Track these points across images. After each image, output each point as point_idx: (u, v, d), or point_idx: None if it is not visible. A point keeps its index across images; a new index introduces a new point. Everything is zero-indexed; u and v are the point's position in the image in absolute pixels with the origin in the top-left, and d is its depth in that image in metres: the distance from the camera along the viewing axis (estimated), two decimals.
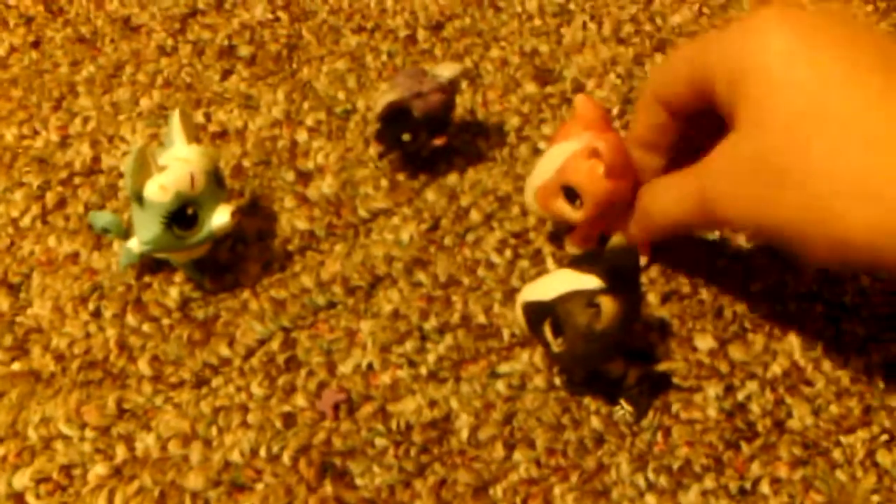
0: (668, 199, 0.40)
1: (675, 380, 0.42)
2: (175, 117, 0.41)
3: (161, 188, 0.39)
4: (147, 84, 0.52)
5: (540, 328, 0.37)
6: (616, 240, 0.36)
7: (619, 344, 0.37)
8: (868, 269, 0.43)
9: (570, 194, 0.41)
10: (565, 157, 0.41)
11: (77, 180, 0.48)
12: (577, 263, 0.37)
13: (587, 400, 0.41)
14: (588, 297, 0.35)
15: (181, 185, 0.39)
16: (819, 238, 0.33)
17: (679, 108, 0.40)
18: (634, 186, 0.42)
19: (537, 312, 0.37)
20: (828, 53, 0.34)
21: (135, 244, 0.41)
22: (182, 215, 0.40)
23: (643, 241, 0.43)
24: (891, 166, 0.31)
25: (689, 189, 0.38)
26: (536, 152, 0.49)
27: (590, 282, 0.36)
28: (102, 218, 0.43)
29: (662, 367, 0.41)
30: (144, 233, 0.40)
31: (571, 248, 0.44)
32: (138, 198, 0.39)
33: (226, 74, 0.53)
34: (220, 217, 0.40)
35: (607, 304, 0.35)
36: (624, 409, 0.40)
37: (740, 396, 0.41)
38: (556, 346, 0.36)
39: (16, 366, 0.42)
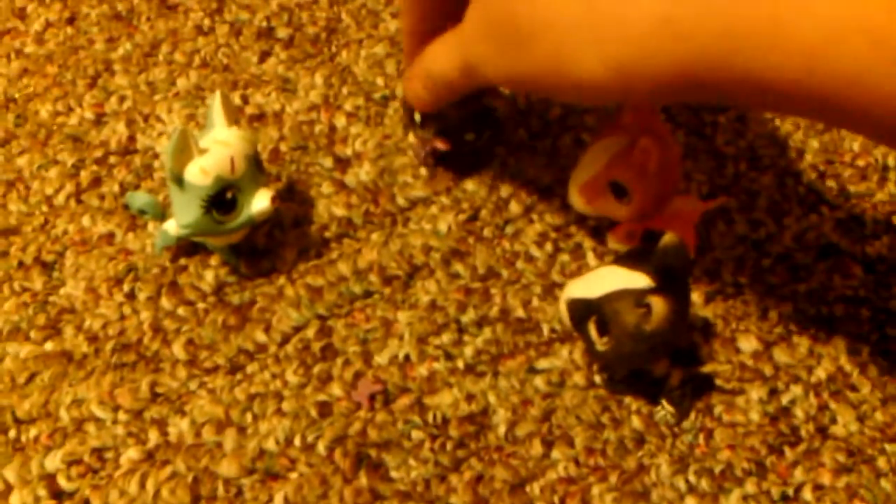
0: (442, 60, 0.40)
1: (718, 381, 0.41)
2: (216, 100, 0.40)
3: (202, 171, 0.38)
4: (184, 64, 0.51)
5: (584, 326, 0.36)
6: (667, 238, 0.35)
7: (667, 345, 0.36)
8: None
9: (618, 190, 0.40)
10: (613, 152, 0.40)
11: (112, 159, 0.47)
12: (625, 261, 0.36)
13: (628, 399, 0.40)
14: (637, 297, 0.34)
15: (222, 169, 0.38)
16: (565, 86, 0.34)
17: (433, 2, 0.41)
18: (678, 181, 0.41)
19: (582, 310, 0.36)
20: None
21: (172, 226, 0.41)
22: (222, 199, 0.39)
23: (427, 102, 0.43)
24: (605, 8, 0.32)
25: (455, 52, 0.39)
26: (579, 143, 0.49)
27: (639, 280, 0.35)
28: (140, 199, 0.43)
29: (706, 368, 0.40)
30: (183, 216, 0.40)
31: (614, 244, 0.44)
32: (178, 180, 0.39)
33: (263, 56, 0.52)
34: (260, 202, 0.39)
35: (658, 305, 0.34)
36: (665, 410, 0.39)
37: (784, 400, 0.40)
38: (601, 344, 0.36)
39: (48, 346, 0.41)
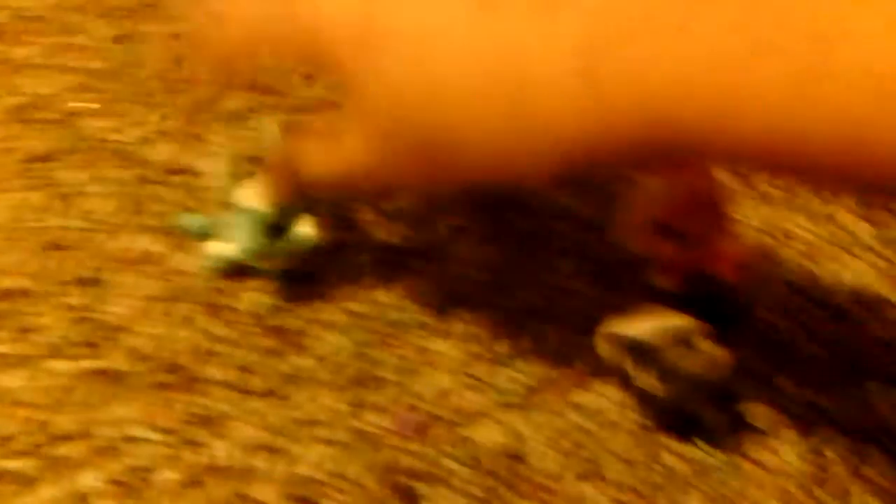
0: (323, 167, 0.35)
1: (753, 421, 0.41)
2: (269, 125, 0.40)
3: (257, 196, 0.38)
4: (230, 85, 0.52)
5: (626, 363, 0.36)
6: (717, 280, 0.35)
7: (710, 387, 0.36)
8: None
9: (665, 230, 0.40)
10: (660, 191, 0.40)
11: (158, 178, 0.48)
12: (671, 300, 0.36)
13: (662, 436, 0.40)
14: (684, 337, 0.34)
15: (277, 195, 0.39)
16: (501, 181, 0.32)
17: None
18: (724, 223, 0.41)
19: (625, 347, 0.36)
20: None
21: (222, 248, 0.41)
22: (279, 225, 0.39)
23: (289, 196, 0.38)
24: (524, 98, 0.27)
25: (342, 160, 0.34)
26: (620, 177, 0.49)
27: (685, 321, 0.35)
28: (195, 221, 0.43)
29: (741, 407, 0.40)
30: (236, 239, 0.40)
31: (657, 282, 0.43)
32: (231, 204, 0.39)
33: (309, 80, 0.52)
34: (310, 229, 0.40)
35: (705, 347, 0.34)
36: (700, 449, 0.39)
37: (819, 442, 0.40)
38: (642, 383, 0.36)
39: (89, 363, 0.41)
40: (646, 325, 0.35)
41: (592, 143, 0.27)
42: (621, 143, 0.27)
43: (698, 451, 0.39)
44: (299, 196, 0.40)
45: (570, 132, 0.27)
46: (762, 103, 0.23)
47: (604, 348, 0.37)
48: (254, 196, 0.39)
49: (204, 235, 0.43)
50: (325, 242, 0.45)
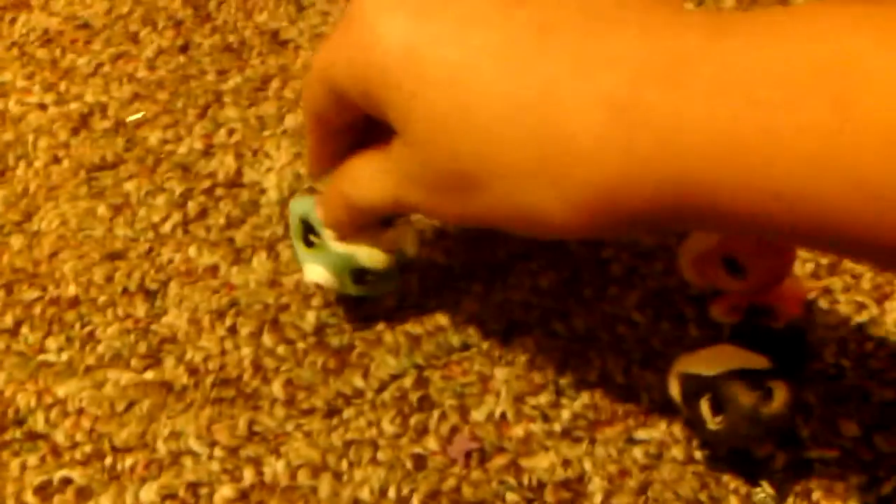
0: (369, 190, 0.35)
1: (818, 466, 0.40)
2: None
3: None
4: (292, 101, 0.52)
5: (695, 402, 0.36)
6: (789, 322, 0.34)
7: (782, 430, 0.35)
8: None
9: (732, 266, 0.40)
10: None
11: (219, 191, 0.48)
12: (743, 339, 0.36)
13: (726, 477, 0.39)
14: (757, 379, 0.34)
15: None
16: (524, 228, 0.31)
17: (338, 126, 0.35)
18: (793, 261, 0.41)
19: (696, 386, 0.35)
20: (454, 24, 0.29)
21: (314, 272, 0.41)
22: (363, 275, 0.40)
23: (343, 225, 0.38)
24: (559, 150, 0.27)
25: (384, 185, 0.34)
26: None
27: (757, 361, 0.34)
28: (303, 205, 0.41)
29: (812, 453, 0.40)
30: (321, 274, 0.40)
31: (717, 316, 0.43)
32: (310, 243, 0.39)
33: None
34: (389, 280, 0.41)
35: (779, 390, 0.33)
36: (765, 493, 0.38)
37: (885, 490, 0.40)
38: (713, 423, 0.35)
39: (148, 375, 0.41)
40: (719, 366, 0.35)
41: (617, 196, 0.27)
42: (644, 199, 0.27)
43: (763, 495, 0.38)
44: (357, 232, 0.39)
45: (596, 181, 0.27)
46: (785, 163, 0.23)
47: (675, 387, 0.37)
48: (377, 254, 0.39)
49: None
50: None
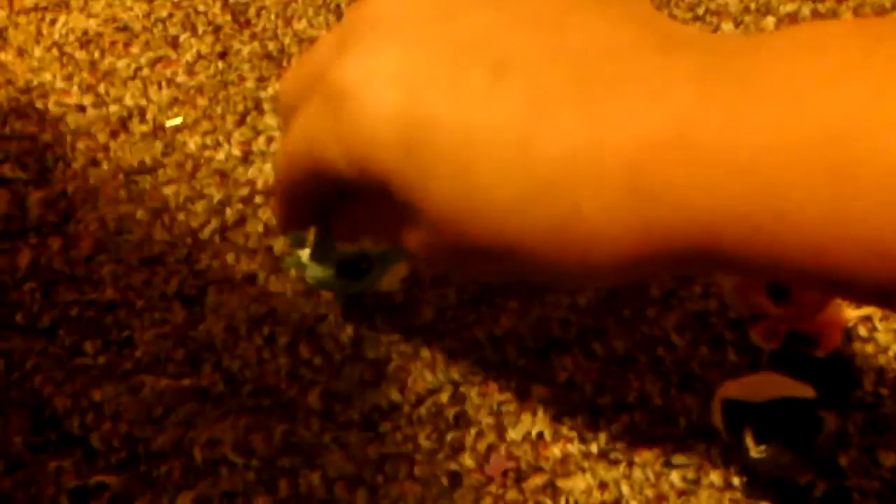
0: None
1: (857, 496, 0.39)
2: None
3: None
4: None
5: (738, 429, 0.36)
6: (838, 352, 0.34)
7: (819, 458, 0.35)
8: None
9: (776, 291, 0.39)
10: None
11: (258, 199, 0.48)
12: (784, 366, 0.35)
13: None
14: (804, 409, 0.33)
15: (367, 242, 0.39)
16: (541, 282, 0.30)
17: (314, 197, 0.34)
18: None
19: (741, 414, 0.35)
20: (449, 98, 0.27)
21: (300, 261, 0.40)
22: (356, 267, 0.39)
23: None
24: (572, 227, 0.26)
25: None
26: None
27: (804, 391, 0.34)
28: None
29: (851, 482, 0.39)
30: (315, 269, 0.39)
31: (757, 341, 0.43)
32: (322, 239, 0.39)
33: None
34: (390, 281, 0.40)
35: (828, 420, 0.33)
36: None
37: None
38: (757, 451, 0.35)
39: (186, 381, 0.41)
40: (765, 393, 0.35)
41: (639, 255, 0.26)
42: (667, 254, 0.26)
43: None
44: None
45: (616, 242, 0.26)
46: (799, 215, 0.23)
47: (718, 413, 0.36)
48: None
49: (299, 245, 0.42)
50: (423, 275, 0.45)
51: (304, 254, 0.41)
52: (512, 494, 0.39)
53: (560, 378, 0.42)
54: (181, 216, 0.47)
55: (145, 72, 0.55)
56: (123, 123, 0.52)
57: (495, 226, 0.27)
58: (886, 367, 0.44)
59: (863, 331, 0.45)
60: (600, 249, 0.27)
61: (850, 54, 0.23)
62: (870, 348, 0.44)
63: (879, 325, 0.45)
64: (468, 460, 0.39)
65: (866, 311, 0.45)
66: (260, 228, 0.46)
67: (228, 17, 0.58)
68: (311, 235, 0.40)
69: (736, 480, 0.39)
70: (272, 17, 0.58)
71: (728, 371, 0.42)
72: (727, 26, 0.57)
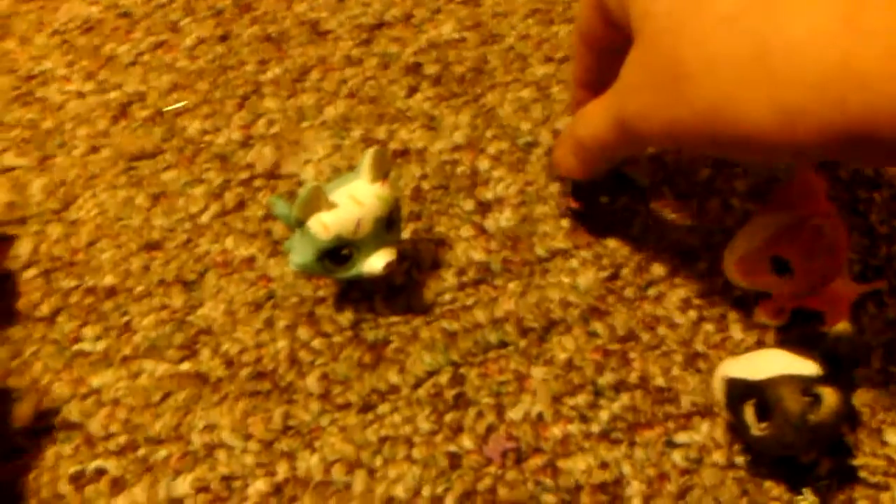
0: (595, 122, 0.39)
1: (863, 474, 0.39)
2: (369, 154, 0.39)
3: (323, 226, 0.37)
4: (331, 93, 0.52)
5: (740, 407, 0.35)
6: (841, 327, 0.33)
7: (830, 437, 0.34)
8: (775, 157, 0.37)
9: (780, 267, 0.39)
10: (778, 227, 0.38)
11: (257, 182, 0.47)
12: (792, 344, 0.35)
13: (768, 484, 0.38)
14: (805, 385, 0.33)
15: (344, 229, 0.38)
16: (725, 135, 0.31)
17: (599, 43, 0.40)
18: (843, 263, 0.40)
19: (742, 391, 0.34)
20: None
21: (289, 247, 0.40)
22: (336, 253, 0.39)
23: (577, 169, 0.42)
24: (779, 46, 0.29)
25: (609, 110, 0.37)
26: (727, 208, 0.47)
27: (806, 367, 0.33)
28: (282, 207, 0.41)
29: (857, 460, 0.39)
30: (298, 255, 0.39)
31: (761, 319, 0.42)
32: (300, 225, 0.38)
33: (410, 91, 0.52)
34: (374, 264, 0.39)
35: (829, 396, 0.32)
36: (808, 501, 0.37)
37: None
38: (758, 429, 0.34)
39: (184, 366, 0.41)
40: (766, 370, 0.34)
41: (825, 99, 0.28)
42: (851, 125, 0.28)
43: (807, 503, 0.37)
44: (586, 170, 0.41)
45: (809, 79, 0.28)
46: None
47: (720, 391, 0.36)
48: (320, 226, 0.38)
49: (286, 223, 0.41)
50: (423, 257, 0.44)
51: (294, 239, 0.41)
52: (511, 475, 0.38)
53: (560, 358, 0.42)
54: (180, 201, 0.47)
55: (146, 57, 0.54)
56: (124, 109, 0.52)
57: (704, 37, 0.31)
58: (895, 344, 0.43)
59: (871, 308, 0.44)
60: (796, 69, 0.29)
61: None
62: (878, 323, 0.43)
63: (888, 301, 0.44)
64: (467, 441, 0.39)
65: (873, 285, 0.44)
66: (259, 212, 0.46)
67: (229, 2, 0.57)
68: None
69: (739, 459, 0.39)
70: (272, 0, 0.57)
71: (732, 350, 0.42)
72: None
